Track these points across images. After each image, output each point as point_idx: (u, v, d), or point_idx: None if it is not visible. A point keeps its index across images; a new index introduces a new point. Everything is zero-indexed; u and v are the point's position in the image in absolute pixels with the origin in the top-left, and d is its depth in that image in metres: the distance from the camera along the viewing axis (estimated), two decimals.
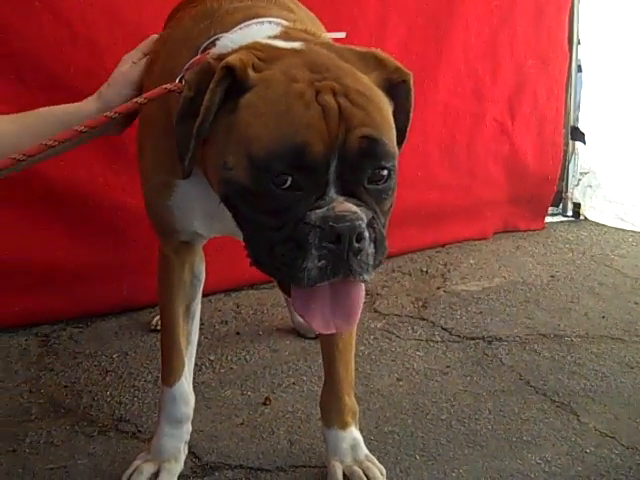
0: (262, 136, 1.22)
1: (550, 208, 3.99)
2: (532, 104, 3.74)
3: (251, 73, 1.27)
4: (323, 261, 1.19)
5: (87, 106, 1.52)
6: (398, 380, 2.31)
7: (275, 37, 1.39)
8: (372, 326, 2.67)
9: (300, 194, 1.21)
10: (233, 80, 1.26)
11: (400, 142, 1.37)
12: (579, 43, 3.89)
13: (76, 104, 1.53)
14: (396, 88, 1.36)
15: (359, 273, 1.21)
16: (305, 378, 2.33)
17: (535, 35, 3.66)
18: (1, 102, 2.40)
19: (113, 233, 2.68)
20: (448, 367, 2.39)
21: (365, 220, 1.20)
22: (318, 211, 1.19)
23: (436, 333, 2.64)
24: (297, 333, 2.62)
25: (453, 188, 3.55)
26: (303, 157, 1.19)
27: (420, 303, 2.91)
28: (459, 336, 2.61)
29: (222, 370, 2.37)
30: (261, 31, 1.41)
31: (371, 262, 1.22)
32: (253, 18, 1.45)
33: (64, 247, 2.60)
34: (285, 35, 1.40)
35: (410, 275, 3.22)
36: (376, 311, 2.82)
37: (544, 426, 2.06)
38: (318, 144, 1.19)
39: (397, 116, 1.36)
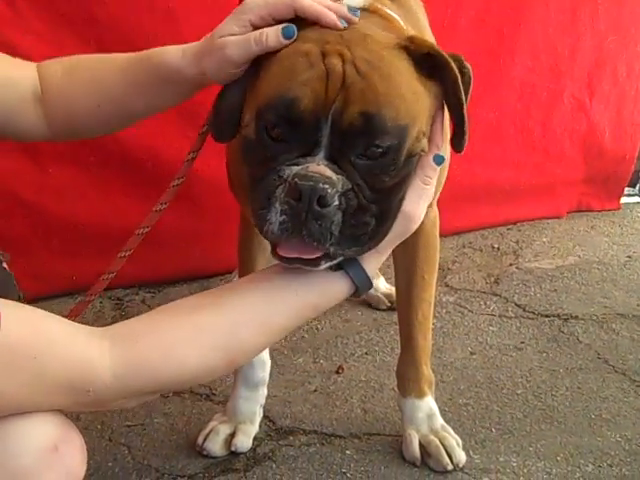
0: (266, 90, 1.21)
1: (626, 188, 3.88)
2: (611, 81, 3.63)
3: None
4: (284, 216, 1.14)
5: (185, 68, 1.45)
6: (472, 354, 2.29)
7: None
8: (444, 300, 2.65)
9: (286, 147, 1.17)
10: None
11: (459, 130, 1.28)
12: None
13: (170, 58, 1.46)
14: (438, 70, 1.24)
15: (318, 239, 1.13)
16: (377, 348, 2.32)
17: (616, 11, 3.54)
18: None
19: (188, 201, 2.69)
20: (522, 343, 2.36)
21: (338, 188, 1.13)
22: (294, 167, 1.14)
23: (509, 309, 2.60)
24: (368, 305, 2.61)
25: (527, 165, 3.48)
26: (291, 110, 1.15)
27: (492, 279, 2.87)
28: (533, 313, 2.57)
29: (294, 338, 2.37)
30: None
31: (336, 232, 1.14)
32: None
33: (138, 213, 2.61)
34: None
35: (481, 251, 3.18)
36: (447, 285, 2.79)
37: (624, 405, 2.02)
38: (309, 101, 1.15)
39: (450, 100, 1.26)
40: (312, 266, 1.19)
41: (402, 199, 1.23)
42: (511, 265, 3.02)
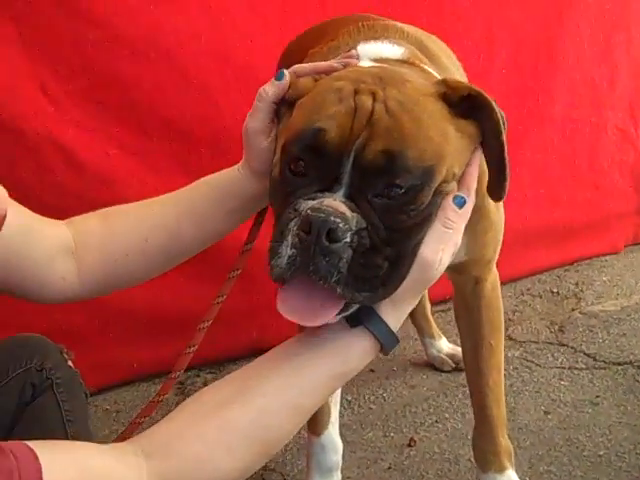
0: (294, 125, 1.20)
1: None
2: None
3: (304, 88, 1.28)
4: (294, 250, 1.09)
5: (243, 175, 1.45)
6: (546, 413, 2.22)
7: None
8: (510, 355, 2.57)
9: (306, 181, 1.14)
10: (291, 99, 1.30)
11: (498, 176, 1.24)
12: None
13: (227, 170, 1.49)
14: (477, 111, 1.21)
15: (324, 276, 1.07)
16: (447, 415, 2.26)
17: None
18: (126, 153, 2.46)
19: (241, 276, 2.67)
20: (598, 397, 2.27)
21: (351, 225, 1.08)
22: (310, 201, 1.10)
23: (579, 360, 2.52)
24: (432, 367, 2.56)
25: (578, 203, 3.41)
26: (315, 140, 1.13)
27: (556, 327, 2.79)
28: (605, 362, 2.48)
29: (361, 411, 2.32)
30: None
31: (344, 270, 1.07)
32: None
33: (195, 298, 2.60)
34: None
35: (541, 297, 3.10)
36: (511, 338, 2.71)
37: None
38: (334, 134, 1.12)
39: (489, 142, 1.22)
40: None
41: (420, 243, 1.16)
42: (574, 310, 2.93)
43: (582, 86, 3.37)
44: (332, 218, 1.06)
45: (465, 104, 1.20)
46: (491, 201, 1.52)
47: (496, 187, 1.25)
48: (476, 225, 1.52)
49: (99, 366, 2.48)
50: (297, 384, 1.16)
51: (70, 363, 1.64)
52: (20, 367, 1.55)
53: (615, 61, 3.44)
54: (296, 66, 1.36)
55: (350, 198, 1.11)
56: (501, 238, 1.66)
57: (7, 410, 1.52)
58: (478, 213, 1.50)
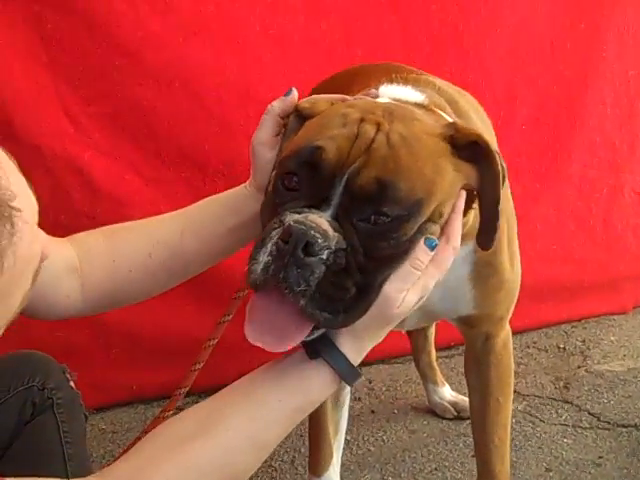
0: (296, 142, 1.22)
1: None
2: None
3: (319, 107, 1.30)
4: (269, 257, 1.09)
5: (250, 192, 1.47)
6: (547, 470, 2.18)
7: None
8: (513, 408, 2.50)
9: (297, 196, 1.15)
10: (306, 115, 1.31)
11: (489, 226, 1.23)
12: None
13: (235, 188, 1.50)
14: (480, 159, 1.21)
15: (292, 287, 1.07)
16: (447, 464, 2.23)
17: None
18: (142, 179, 2.48)
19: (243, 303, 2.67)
20: (601, 458, 2.24)
21: (330, 244, 1.08)
22: (295, 215, 1.11)
23: (583, 419, 2.49)
24: (433, 413, 2.53)
25: (589, 262, 3.40)
26: (312, 158, 1.14)
27: (561, 383, 2.76)
28: (609, 422, 2.45)
29: (360, 452, 2.29)
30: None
31: (312, 284, 1.07)
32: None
33: (198, 322, 2.60)
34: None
35: (547, 352, 3.07)
36: (515, 391, 2.65)
37: None
38: (332, 155, 1.13)
39: (485, 191, 1.22)
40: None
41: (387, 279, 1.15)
42: (580, 367, 2.90)
43: (602, 148, 3.38)
44: (312, 232, 1.07)
45: (469, 150, 1.21)
46: (506, 259, 1.53)
47: (485, 236, 1.24)
48: (487, 280, 1.52)
49: (99, 385, 2.49)
50: (260, 418, 1.15)
51: (72, 384, 1.64)
52: (22, 385, 1.55)
53: (637, 126, 3.45)
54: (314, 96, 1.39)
55: (336, 219, 1.12)
56: (515, 297, 1.66)
57: (6, 427, 1.52)
58: (489, 268, 1.51)
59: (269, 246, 1.10)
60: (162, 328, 2.59)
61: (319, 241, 1.07)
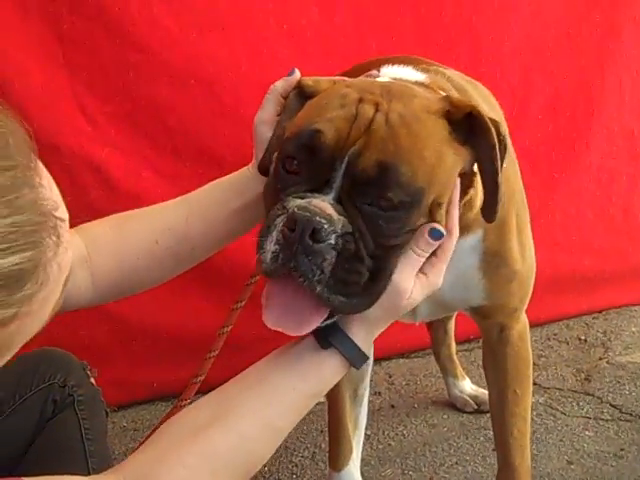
0: (295, 124, 1.22)
1: None
2: None
3: (321, 85, 1.29)
4: (277, 246, 1.09)
5: (254, 174, 1.48)
6: (569, 463, 2.17)
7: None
8: (534, 400, 2.51)
9: (298, 180, 1.14)
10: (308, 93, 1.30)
11: (491, 199, 1.21)
12: None
13: (239, 170, 1.50)
14: (477, 132, 1.20)
15: (306, 275, 1.06)
16: (468, 458, 2.22)
17: None
18: (159, 176, 2.49)
19: (250, 304, 2.67)
20: (622, 450, 2.22)
21: (336, 227, 1.08)
22: (298, 200, 1.10)
23: (605, 410, 2.47)
24: (454, 407, 2.53)
25: (610, 252, 3.37)
26: (311, 141, 1.13)
27: (582, 375, 2.74)
28: (631, 414, 2.43)
29: (380, 446, 2.29)
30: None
31: (327, 271, 1.07)
32: None
33: (216, 317, 2.59)
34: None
35: (567, 344, 3.05)
36: (535, 384, 2.67)
37: None
38: (330, 137, 1.12)
39: (485, 164, 1.21)
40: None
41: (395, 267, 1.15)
42: (601, 359, 2.89)
43: (620, 137, 3.35)
44: (317, 218, 1.06)
45: (466, 124, 1.20)
46: (515, 250, 1.51)
47: (488, 209, 1.23)
48: (496, 271, 1.51)
49: (119, 383, 2.50)
50: (273, 406, 1.16)
51: (92, 380, 1.65)
52: (43, 382, 1.56)
53: None
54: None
55: (339, 202, 1.11)
56: (529, 289, 1.64)
57: (28, 424, 1.53)
58: (498, 259, 1.50)
59: (275, 234, 1.10)
60: (181, 324, 2.61)
61: (325, 226, 1.06)
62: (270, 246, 1.10)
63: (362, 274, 1.11)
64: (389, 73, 1.39)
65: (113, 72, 2.37)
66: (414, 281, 1.17)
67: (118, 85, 2.39)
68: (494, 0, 2.88)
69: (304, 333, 1.11)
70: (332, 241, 1.07)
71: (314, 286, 1.08)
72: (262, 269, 1.12)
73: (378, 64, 1.60)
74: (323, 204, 1.09)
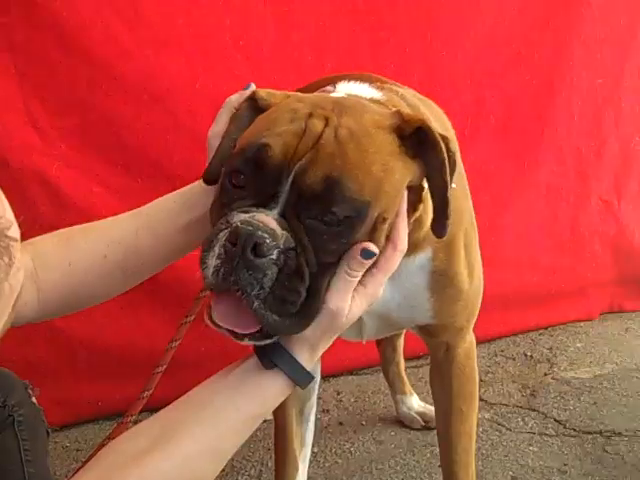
0: (244, 137, 1.22)
1: None
2: (639, 182, 3.62)
3: (275, 98, 1.29)
4: (219, 260, 1.09)
5: (199, 184, 1.48)
6: (513, 479, 2.20)
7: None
8: (480, 416, 2.55)
9: (244, 194, 1.15)
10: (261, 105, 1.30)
11: (441, 214, 1.22)
12: None
13: (191, 185, 1.50)
14: (426, 147, 1.20)
15: (245, 290, 1.07)
16: (414, 474, 2.24)
17: None
18: (110, 191, 2.47)
19: (200, 319, 2.65)
20: (566, 465, 2.26)
21: (279, 242, 1.08)
22: (242, 214, 1.10)
23: (549, 426, 2.51)
24: (401, 424, 2.55)
25: (557, 269, 3.44)
26: (257, 155, 1.13)
27: (528, 391, 2.79)
28: (574, 430, 2.48)
29: (327, 464, 2.30)
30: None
31: (266, 287, 1.07)
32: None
33: (165, 335, 2.58)
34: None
35: (514, 360, 3.11)
36: (482, 399, 2.71)
37: None
38: (278, 152, 1.13)
39: (434, 179, 1.21)
40: (238, 339, 1.12)
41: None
42: (546, 375, 2.94)
43: (569, 156, 3.43)
44: (260, 232, 1.07)
45: (416, 138, 1.21)
46: (463, 270, 1.54)
47: (438, 225, 1.23)
48: (444, 290, 1.52)
49: (63, 402, 2.47)
50: (217, 428, 1.16)
51: (34, 400, 1.62)
52: None
53: (604, 134, 3.50)
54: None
55: (284, 217, 1.11)
56: (476, 308, 1.66)
57: None
58: (445, 278, 1.51)
59: (217, 248, 1.10)
60: (129, 340, 2.58)
61: (267, 241, 1.07)
62: (212, 261, 1.10)
63: (300, 293, 1.11)
64: (344, 89, 1.40)
65: (66, 86, 2.35)
66: (353, 295, 1.17)
67: (70, 99, 2.37)
68: (448, 20, 2.93)
69: (252, 331, 1.11)
70: (274, 256, 1.08)
71: (252, 301, 1.08)
72: (206, 284, 1.12)
73: (334, 81, 1.62)
74: (267, 218, 1.09)
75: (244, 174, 1.15)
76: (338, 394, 2.78)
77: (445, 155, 1.19)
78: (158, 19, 2.42)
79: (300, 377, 1.19)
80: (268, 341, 1.15)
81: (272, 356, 1.17)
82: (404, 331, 2.41)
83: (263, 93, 1.31)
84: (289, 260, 1.09)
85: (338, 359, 2.75)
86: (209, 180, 1.34)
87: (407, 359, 2.67)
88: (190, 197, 1.43)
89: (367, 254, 1.15)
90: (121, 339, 2.57)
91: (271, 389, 1.19)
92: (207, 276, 1.11)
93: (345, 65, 2.56)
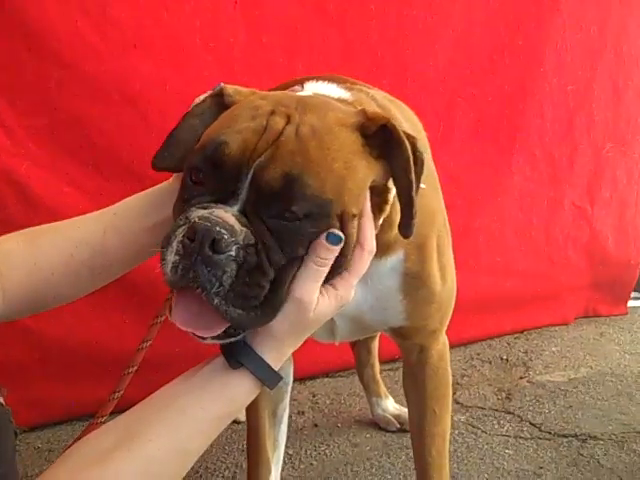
0: (205, 134, 1.21)
1: (632, 293, 3.85)
2: (611, 188, 3.66)
3: (241, 95, 1.27)
4: (177, 256, 1.07)
5: (167, 184, 1.46)
6: None
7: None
8: (456, 419, 2.55)
9: (203, 190, 1.14)
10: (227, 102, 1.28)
11: (407, 214, 1.20)
12: None
13: (159, 185, 1.47)
14: (390, 147, 1.20)
15: (204, 286, 1.05)
16: (389, 477, 2.21)
17: (613, 118, 3.60)
18: (80, 191, 2.44)
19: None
20: (541, 468, 2.24)
21: (238, 239, 1.07)
22: (201, 211, 1.09)
23: (524, 429, 2.50)
24: (377, 426, 2.52)
25: (531, 274, 3.46)
26: (216, 153, 1.12)
27: (503, 394, 2.78)
28: (550, 433, 2.46)
29: (302, 466, 2.27)
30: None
31: (226, 284, 1.06)
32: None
33: (137, 336, 2.55)
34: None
35: (490, 363, 3.10)
36: (458, 402, 2.69)
37: None
38: (236, 149, 1.11)
39: (399, 178, 1.20)
40: (201, 339, 1.11)
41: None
42: (522, 378, 2.94)
43: (542, 161, 3.45)
44: (217, 228, 1.05)
45: (380, 137, 1.19)
46: (436, 272, 1.52)
47: (404, 223, 1.21)
48: (416, 292, 1.51)
49: (35, 402, 2.42)
50: (182, 428, 1.14)
51: (2, 400, 1.58)
52: None
53: (576, 140, 3.54)
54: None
55: (245, 214, 1.10)
56: (449, 311, 1.64)
57: None
58: (417, 280, 1.49)
59: (174, 244, 1.08)
60: (101, 341, 2.53)
61: (225, 237, 1.05)
62: (171, 257, 1.08)
63: (263, 287, 1.10)
64: (312, 89, 1.39)
65: (34, 86, 2.31)
66: (323, 294, 1.17)
67: (39, 99, 2.33)
68: (419, 24, 2.94)
69: (215, 334, 1.09)
70: (233, 252, 1.06)
71: (212, 298, 1.06)
72: (167, 281, 1.10)
73: (304, 81, 1.61)
74: (225, 215, 1.08)
75: (203, 171, 1.14)
76: (313, 396, 2.76)
77: (410, 154, 1.18)
78: (127, 20, 2.38)
79: (267, 377, 1.17)
80: (232, 339, 1.13)
81: (238, 355, 1.15)
82: (379, 334, 2.40)
83: (230, 90, 1.30)
84: (249, 257, 1.08)
85: (314, 361, 2.73)
86: (157, 167, 1.33)
87: (383, 362, 2.65)
88: (158, 197, 1.41)
89: (333, 238, 1.13)
90: (92, 339, 2.53)
91: (238, 388, 1.17)
92: (166, 272, 1.09)
93: (316, 67, 2.56)
